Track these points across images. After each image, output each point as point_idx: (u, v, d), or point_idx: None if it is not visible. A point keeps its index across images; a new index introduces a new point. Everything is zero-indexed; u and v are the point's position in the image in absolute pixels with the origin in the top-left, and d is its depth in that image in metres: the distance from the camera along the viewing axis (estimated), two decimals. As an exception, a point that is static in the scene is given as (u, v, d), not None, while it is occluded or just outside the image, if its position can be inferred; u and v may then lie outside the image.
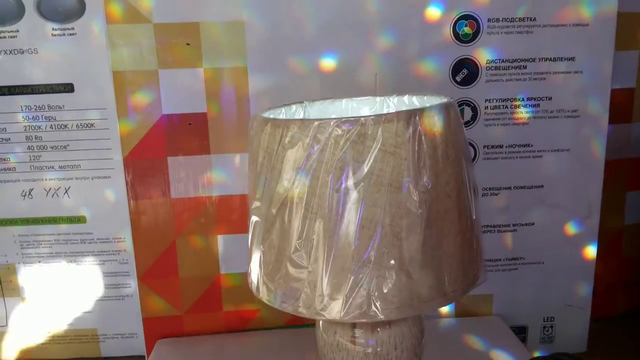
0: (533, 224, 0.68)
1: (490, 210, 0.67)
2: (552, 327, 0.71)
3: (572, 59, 0.63)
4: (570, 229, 0.68)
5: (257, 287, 0.42)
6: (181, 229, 0.64)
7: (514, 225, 0.68)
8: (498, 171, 0.66)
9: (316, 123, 0.36)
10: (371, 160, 0.36)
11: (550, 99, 0.64)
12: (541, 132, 0.65)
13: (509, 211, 0.67)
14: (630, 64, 0.71)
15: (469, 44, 0.62)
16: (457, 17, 0.61)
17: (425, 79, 0.62)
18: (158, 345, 0.65)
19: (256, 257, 0.42)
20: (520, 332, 0.71)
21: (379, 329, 0.43)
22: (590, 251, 0.68)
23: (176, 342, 0.65)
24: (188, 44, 0.60)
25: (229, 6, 0.60)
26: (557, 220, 0.67)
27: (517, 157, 0.66)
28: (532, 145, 0.65)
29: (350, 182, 0.36)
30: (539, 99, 0.64)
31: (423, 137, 0.37)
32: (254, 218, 0.42)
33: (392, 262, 0.37)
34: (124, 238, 0.70)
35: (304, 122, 0.37)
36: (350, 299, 0.37)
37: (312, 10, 0.60)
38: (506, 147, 0.65)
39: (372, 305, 0.37)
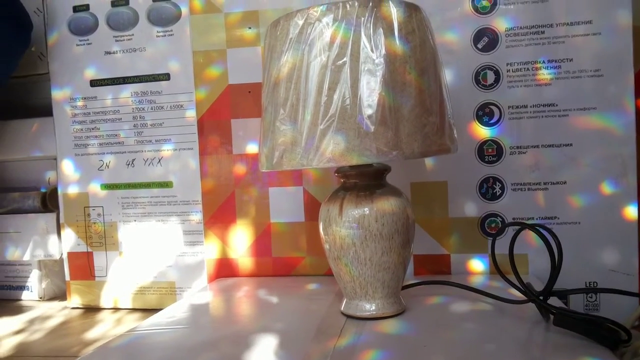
0: (565, 182, 0.69)
1: (519, 169, 0.70)
2: (596, 293, 0.69)
3: (590, 22, 0.68)
4: (606, 188, 0.68)
5: (261, 162, 0.52)
6: (239, 180, 0.76)
7: (544, 183, 0.70)
8: (524, 130, 0.70)
9: (296, 12, 0.47)
10: (338, 36, 0.46)
11: (571, 60, 0.69)
12: (565, 92, 0.69)
13: (538, 170, 0.70)
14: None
15: (488, 15, 0.70)
16: (476, -8, 0.70)
17: (449, 46, 0.71)
18: (217, 281, 0.75)
19: (261, 137, 0.52)
20: (561, 296, 0.70)
21: (364, 205, 0.50)
22: (631, 212, 0.68)
23: (231, 280, 0.75)
24: (250, 28, 0.75)
25: (282, -3, 0.75)
26: (591, 179, 0.68)
27: (542, 117, 0.69)
28: (556, 105, 0.69)
29: (321, 54, 0.46)
30: (559, 60, 0.69)
31: (380, 20, 0.46)
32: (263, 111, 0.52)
33: (352, 116, 0.45)
34: (200, 200, 0.83)
35: (289, 14, 0.48)
36: (320, 149, 0.46)
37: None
38: (531, 106, 0.70)
39: (338, 153, 0.45)
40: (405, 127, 0.46)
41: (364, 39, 0.45)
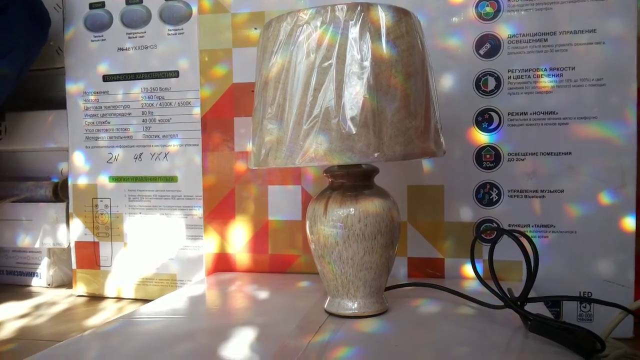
0: (562, 191, 0.69)
1: (517, 176, 0.70)
2: (590, 303, 0.69)
3: (594, 30, 0.67)
4: (604, 198, 0.68)
5: (249, 159, 0.53)
6: (240, 177, 0.78)
7: (542, 191, 0.69)
8: (523, 137, 0.69)
9: (287, 15, 0.48)
10: (325, 39, 0.47)
11: (573, 68, 0.68)
12: (566, 101, 0.68)
13: (536, 177, 0.69)
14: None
15: (491, 21, 0.70)
16: (479, -1, 0.70)
17: (451, 51, 0.71)
18: (213, 275, 0.77)
19: (252, 135, 0.53)
20: (554, 305, 0.69)
21: (348, 205, 0.51)
22: (629, 223, 0.67)
23: (227, 275, 0.76)
24: (255, 29, 0.77)
25: (288, -2, 0.76)
26: (589, 188, 0.68)
27: (542, 124, 0.69)
28: (557, 113, 0.69)
29: (309, 56, 0.47)
30: (561, 69, 0.69)
31: (368, 25, 0.47)
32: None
33: (335, 117, 0.46)
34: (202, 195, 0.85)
35: (280, 17, 0.49)
36: (304, 148, 0.47)
37: None
38: (530, 114, 0.69)
39: (321, 153, 0.46)
40: (389, 130, 0.46)
41: (350, 42, 0.46)
